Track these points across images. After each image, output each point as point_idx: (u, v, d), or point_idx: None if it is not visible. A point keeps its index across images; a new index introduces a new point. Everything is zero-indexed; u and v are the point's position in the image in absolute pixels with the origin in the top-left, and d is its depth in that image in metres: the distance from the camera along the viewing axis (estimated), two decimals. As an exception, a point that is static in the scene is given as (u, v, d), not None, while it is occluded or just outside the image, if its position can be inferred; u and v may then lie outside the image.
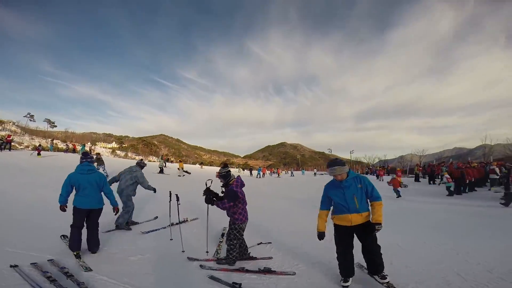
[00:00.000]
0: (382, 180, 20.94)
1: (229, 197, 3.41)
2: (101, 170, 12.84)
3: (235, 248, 3.41)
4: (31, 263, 2.94)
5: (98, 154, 17.30)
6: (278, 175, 32.34)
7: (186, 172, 18.45)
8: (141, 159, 6.17)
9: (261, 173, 29.12)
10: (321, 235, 2.96)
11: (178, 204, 4.40)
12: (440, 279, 2.85)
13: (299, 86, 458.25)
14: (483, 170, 12.32)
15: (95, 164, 13.72)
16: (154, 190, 5.30)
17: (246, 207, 3.59)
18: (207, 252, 3.77)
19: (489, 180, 11.61)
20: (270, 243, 3.91)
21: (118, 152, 42.16)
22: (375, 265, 2.76)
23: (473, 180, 11.28)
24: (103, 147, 45.97)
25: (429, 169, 16.94)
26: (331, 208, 2.99)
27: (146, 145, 54.67)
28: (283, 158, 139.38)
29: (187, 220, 5.57)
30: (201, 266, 3.28)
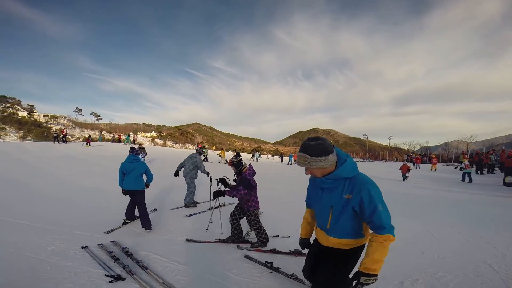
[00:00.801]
0: (419, 167, 19.92)
1: (244, 185, 3.59)
2: (145, 158, 14.20)
3: (262, 231, 3.72)
4: (98, 244, 3.54)
5: (140, 144, 19.17)
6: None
7: (226, 160, 19.33)
8: (202, 146, 7.21)
9: (293, 160, 29.18)
10: (303, 244, 2.10)
11: (218, 188, 4.88)
12: (470, 269, 2.94)
13: (330, 70, 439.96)
14: None
15: (139, 152, 15.15)
16: (208, 174, 6.01)
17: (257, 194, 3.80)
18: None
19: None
20: (289, 236, 4.11)
21: (157, 140, 45.05)
22: None
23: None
24: (144, 136, 49.34)
25: (476, 157, 15.73)
26: None
27: (182, 133, 57.38)
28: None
29: (224, 205, 6.09)
30: (237, 246, 3.71)
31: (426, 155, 26.32)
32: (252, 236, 4.11)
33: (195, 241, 3.91)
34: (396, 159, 37.86)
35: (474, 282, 2.66)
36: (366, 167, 21.88)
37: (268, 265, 3.06)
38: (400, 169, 12.85)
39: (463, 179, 11.47)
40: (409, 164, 14.08)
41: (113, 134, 34.99)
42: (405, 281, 2.72)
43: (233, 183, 4.00)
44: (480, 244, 3.80)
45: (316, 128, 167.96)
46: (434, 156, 23.84)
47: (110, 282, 2.62)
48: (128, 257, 3.21)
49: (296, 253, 3.46)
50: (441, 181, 12.53)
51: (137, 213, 4.46)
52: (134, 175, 4.41)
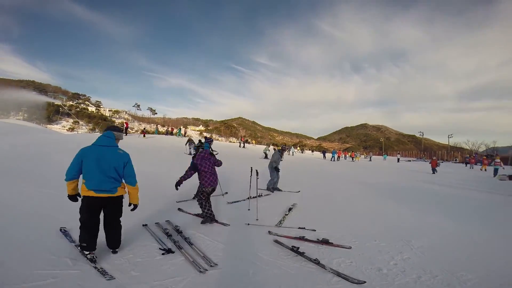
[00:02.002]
0: (472, 168, 18.10)
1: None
2: (192, 150, 15.46)
3: (204, 207, 4.37)
4: (155, 223, 4.22)
5: (189, 137, 21.14)
6: (352, 159, 30.94)
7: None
8: (246, 140, 8.74)
9: (336, 156, 28.48)
10: None
11: (257, 179, 5.41)
12: (493, 272, 2.96)
13: (383, 62, 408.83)
14: None
15: (188, 144, 16.77)
16: (277, 170, 7.48)
17: (211, 175, 4.44)
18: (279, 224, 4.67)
19: None
20: (315, 230, 4.30)
21: (205, 134, 47.90)
22: None
23: None
24: (193, 130, 52.86)
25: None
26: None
27: (227, 127, 59.95)
28: (364, 140, 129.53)
29: (261, 195, 6.61)
30: (269, 232, 4.16)
31: (490, 156, 23.31)
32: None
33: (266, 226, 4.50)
34: (455, 160, 34.14)
35: (493, 283, 2.69)
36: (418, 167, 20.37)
37: (294, 249, 3.44)
38: (430, 163, 16.62)
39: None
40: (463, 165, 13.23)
41: (167, 128, 38.36)
42: (423, 276, 2.86)
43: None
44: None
45: (365, 123, 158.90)
46: (485, 157, 21.52)
47: (163, 254, 3.18)
48: (179, 234, 3.82)
49: (324, 242, 3.76)
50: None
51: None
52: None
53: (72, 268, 2.66)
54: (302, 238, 3.90)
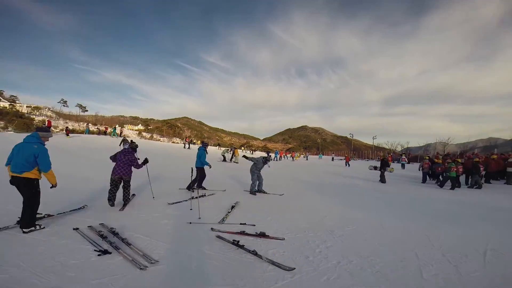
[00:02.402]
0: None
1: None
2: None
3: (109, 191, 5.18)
4: (88, 226, 4.01)
5: (125, 136, 19.92)
6: (293, 159, 33.06)
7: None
8: (190, 140, 8.43)
9: (278, 156, 30.05)
10: None
11: (196, 178, 5.44)
12: (398, 255, 3.52)
13: (324, 69, 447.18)
14: (502, 163, 11.94)
15: (122, 144, 16.02)
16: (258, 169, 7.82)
17: (117, 167, 5.25)
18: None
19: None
20: (254, 225, 4.57)
21: (144, 134, 44.79)
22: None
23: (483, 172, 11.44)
24: (130, 129, 48.89)
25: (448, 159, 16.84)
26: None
27: (170, 127, 57.04)
28: (304, 141, 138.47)
29: (205, 195, 6.66)
30: (212, 229, 4.30)
31: (404, 155, 27.67)
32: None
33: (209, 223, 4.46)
34: (378, 158, 39.44)
35: (395, 266, 3.23)
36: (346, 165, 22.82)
37: (235, 243, 3.67)
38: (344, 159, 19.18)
39: (423, 181, 12.26)
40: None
41: (98, 127, 34.65)
42: (342, 261, 3.33)
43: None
44: (418, 235, 4.40)
45: (305, 125, 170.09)
46: (390, 156, 27.19)
47: (99, 255, 3.12)
48: (115, 236, 3.71)
49: (261, 235, 4.08)
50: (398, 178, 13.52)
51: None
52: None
53: None
54: (242, 233, 4.15)
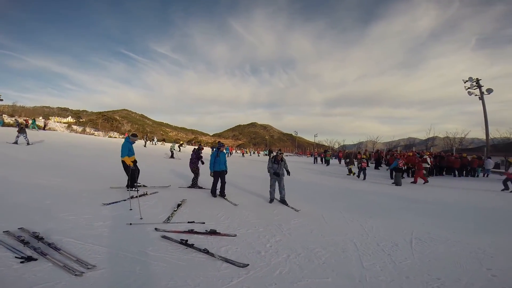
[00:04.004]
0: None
1: None
2: (22, 138, 13.28)
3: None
4: (3, 231, 3.28)
5: (21, 124, 17.39)
6: (243, 155, 33.44)
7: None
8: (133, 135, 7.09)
9: (229, 152, 29.98)
10: None
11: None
12: (340, 246, 3.70)
13: (276, 68, 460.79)
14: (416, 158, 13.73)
15: (18, 132, 13.53)
16: (277, 174, 6.53)
17: None
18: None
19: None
20: (204, 223, 4.38)
21: (74, 127, 39.50)
22: None
23: (404, 167, 12.91)
24: (58, 122, 42.71)
25: (375, 155, 19.01)
26: None
27: (107, 120, 51.45)
28: (253, 138, 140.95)
29: (146, 194, 6.06)
30: (156, 229, 3.91)
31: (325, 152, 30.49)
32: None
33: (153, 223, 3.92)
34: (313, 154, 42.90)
35: (339, 256, 3.38)
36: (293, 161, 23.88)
37: (183, 242, 3.39)
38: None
39: (359, 176, 13.27)
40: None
41: (16, 118, 29.20)
42: (291, 254, 3.37)
43: None
44: (355, 226, 4.71)
45: (255, 122, 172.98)
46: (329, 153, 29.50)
47: (22, 262, 2.61)
48: (39, 241, 3.12)
49: (212, 233, 3.87)
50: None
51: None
52: None
53: None
54: (191, 231, 3.89)
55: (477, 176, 14.58)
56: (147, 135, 33.04)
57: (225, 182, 6.64)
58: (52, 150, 13.38)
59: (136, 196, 4.94)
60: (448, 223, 5.07)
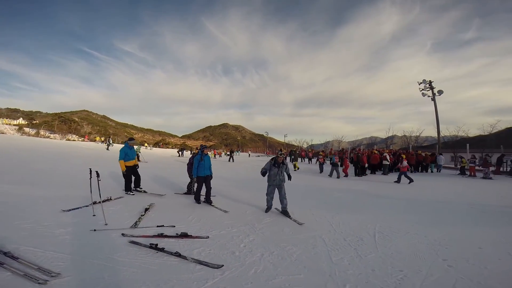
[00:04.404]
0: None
1: None
2: None
3: None
4: None
5: None
6: (215, 156, 33.03)
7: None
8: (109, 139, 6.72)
9: (217, 155, 29.67)
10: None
11: (98, 181, 4.53)
12: (310, 243, 3.80)
13: (248, 69, 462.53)
14: (379, 156, 14.64)
15: None
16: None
17: None
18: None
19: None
20: (174, 226, 4.27)
21: (26, 129, 35.97)
22: None
23: (366, 165, 13.79)
24: (7, 124, 38.58)
25: (340, 154, 19.98)
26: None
27: (64, 121, 47.59)
28: (225, 139, 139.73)
29: (110, 199, 5.71)
30: (122, 234, 3.72)
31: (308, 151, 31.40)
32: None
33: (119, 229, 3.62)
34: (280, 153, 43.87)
35: (309, 253, 3.49)
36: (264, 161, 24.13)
37: (153, 247, 3.26)
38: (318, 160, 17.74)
39: (331, 174, 13.40)
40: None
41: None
42: (265, 253, 3.42)
43: None
44: (323, 222, 4.89)
45: (226, 123, 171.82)
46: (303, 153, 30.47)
47: None
48: None
49: (183, 235, 3.77)
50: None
51: None
52: None
53: None
54: (161, 235, 3.77)
55: (431, 171, 16.00)
56: (110, 137, 31.17)
57: (210, 188, 6.11)
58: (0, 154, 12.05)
59: (100, 202, 4.61)
60: (408, 216, 5.44)
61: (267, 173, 5.53)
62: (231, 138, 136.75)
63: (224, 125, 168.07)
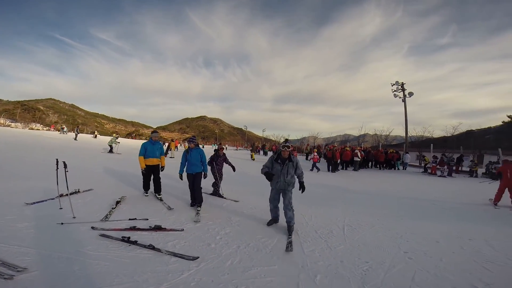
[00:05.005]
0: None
1: None
2: None
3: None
4: None
5: None
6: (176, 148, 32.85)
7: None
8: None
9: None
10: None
11: (66, 172, 4.29)
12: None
13: (230, 63, 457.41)
14: (350, 153, 15.17)
15: None
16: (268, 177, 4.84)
17: None
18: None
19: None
20: (147, 219, 4.17)
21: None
22: None
23: (338, 161, 14.28)
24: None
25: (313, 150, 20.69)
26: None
27: (27, 110, 44.09)
28: (202, 131, 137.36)
29: (79, 191, 5.45)
30: (92, 227, 3.59)
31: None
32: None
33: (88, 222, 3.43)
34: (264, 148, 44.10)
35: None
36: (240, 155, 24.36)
37: (125, 240, 3.19)
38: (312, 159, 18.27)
39: (312, 169, 13.88)
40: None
41: None
42: (241, 245, 3.48)
43: None
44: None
45: (205, 116, 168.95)
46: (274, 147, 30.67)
47: None
48: None
49: (156, 228, 3.72)
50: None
51: None
52: None
53: None
54: (133, 228, 3.69)
55: (398, 169, 17.03)
56: (78, 126, 29.66)
57: (200, 188, 5.05)
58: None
59: (67, 194, 4.38)
60: (374, 211, 5.75)
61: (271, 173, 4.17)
62: (208, 131, 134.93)
63: (202, 118, 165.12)
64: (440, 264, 3.16)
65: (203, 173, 5.18)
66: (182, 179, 5.22)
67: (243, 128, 72.17)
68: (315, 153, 13.95)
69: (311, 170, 13.26)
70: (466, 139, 27.88)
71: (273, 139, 53.13)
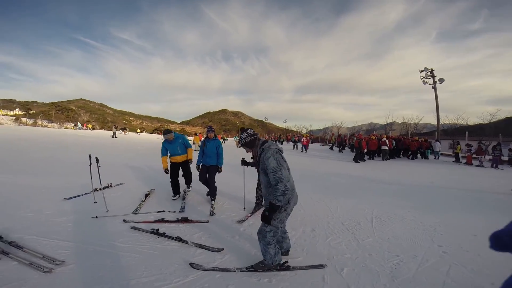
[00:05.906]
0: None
1: None
2: None
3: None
4: None
5: None
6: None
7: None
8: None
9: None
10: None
11: (98, 167, 4.50)
12: (309, 227, 3.84)
13: (249, 56, 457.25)
14: (377, 142, 14.62)
15: None
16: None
17: None
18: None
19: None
20: (174, 211, 4.33)
21: (24, 119, 35.71)
22: None
23: (365, 150, 13.80)
24: (3, 115, 38.29)
25: (339, 139, 20.07)
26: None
27: (61, 110, 47.20)
28: (224, 124, 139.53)
29: (111, 185, 5.77)
30: (124, 220, 3.78)
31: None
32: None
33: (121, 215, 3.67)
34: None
35: (309, 236, 3.50)
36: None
37: (154, 232, 3.31)
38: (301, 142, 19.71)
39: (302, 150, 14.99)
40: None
41: None
42: (236, 235, 3.49)
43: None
44: (321, 207, 4.88)
45: (225, 109, 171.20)
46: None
47: None
48: None
49: (183, 220, 3.83)
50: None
51: None
52: None
53: None
54: (161, 221, 3.82)
55: (428, 158, 16.08)
56: (115, 125, 31.43)
57: (213, 181, 4.92)
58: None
59: (100, 189, 4.64)
60: (404, 202, 5.47)
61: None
62: (230, 124, 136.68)
63: (223, 111, 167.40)
64: (477, 259, 2.95)
65: (218, 167, 4.98)
66: (198, 171, 5.04)
67: (264, 120, 72.17)
68: (304, 137, 15.76)
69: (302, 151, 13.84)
70: (505, 126, 25.64)
71: (295, 129, 52.55)
